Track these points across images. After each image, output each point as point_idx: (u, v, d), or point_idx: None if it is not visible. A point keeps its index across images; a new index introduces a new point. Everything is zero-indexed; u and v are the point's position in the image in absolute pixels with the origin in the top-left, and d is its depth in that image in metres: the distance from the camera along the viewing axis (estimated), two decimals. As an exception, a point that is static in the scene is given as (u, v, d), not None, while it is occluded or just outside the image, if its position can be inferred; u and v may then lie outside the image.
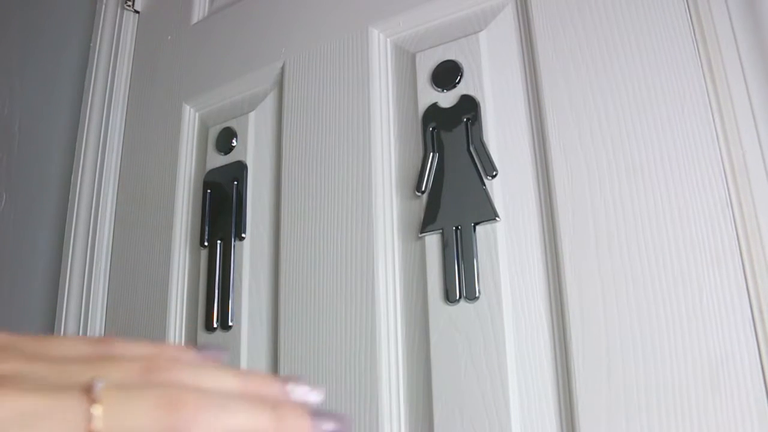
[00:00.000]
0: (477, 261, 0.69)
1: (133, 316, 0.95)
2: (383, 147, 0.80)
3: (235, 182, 0.91)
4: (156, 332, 0.91)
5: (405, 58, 0.83)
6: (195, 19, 1.08)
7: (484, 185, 0.71)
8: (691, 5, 0.66)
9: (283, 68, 0.93)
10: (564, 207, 0.66)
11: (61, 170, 1.12)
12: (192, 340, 0.88)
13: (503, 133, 0.73)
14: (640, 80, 0.66)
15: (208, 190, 0.93)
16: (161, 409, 0.23)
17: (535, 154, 0.71)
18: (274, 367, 0.80)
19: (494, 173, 0.71)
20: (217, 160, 0.94)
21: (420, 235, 0.74)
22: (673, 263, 0.60)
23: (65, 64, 1.21)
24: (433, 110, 0.77)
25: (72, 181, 1.07)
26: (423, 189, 0.74)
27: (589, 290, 0.63)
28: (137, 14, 1.16)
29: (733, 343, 0.56)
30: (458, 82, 0.76)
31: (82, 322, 0.98)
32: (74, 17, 1.24)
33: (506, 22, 0.77)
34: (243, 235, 0.88)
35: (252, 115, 0.94)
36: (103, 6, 1.17)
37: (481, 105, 0.74)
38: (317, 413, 0.27)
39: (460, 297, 0.69)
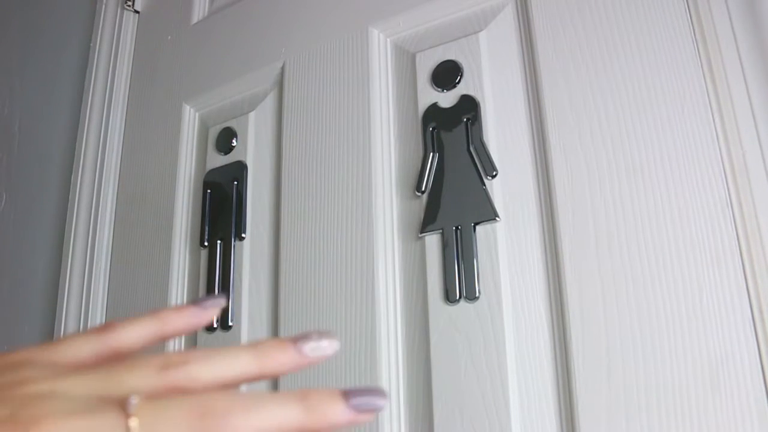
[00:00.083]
0: (477, 261, 0.69)
1: (133, 316, 0.94)
2: (383, 147, 0.80)
3: (235, 182, 0.91)
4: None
5: (405, 58, 0.83)
6: (195, 19, 1.08)
7: (484, 185, 0.71)
8: (691, 5, 0.66)
9: (283, 68, 0.93)
10: (564, 207, 0.66)
11: (61, 170, 1.12)
12: (192, 341, 0.88)
13: (503, 133, 0.73)
14: (640, 80, 0.66)
15: (208, 190, 0.93)
16: (193, 419, 0.24)
17: (535, 154, 0.71)
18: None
19: (494, 173, 0.71)
20: (217, 160, 0.94)
21: (420, 235, 0.74)
22: (673, 263, 0.60)
23: (65, 64, 1.21)
24: (433, 110, 0.77)
25: (72, 181, 1.07)
26: (423, 189, 0.74)
27: (589, 290, 0.63)
28: (137, 14, 1.16)
29: (733, 343, 0.56)
30: (458, 82, 0.76)
31: (82, 322, 0.98)
32: (74, 17, 1.24)
33: (506, 22, 0.77)
34: (243, 235, 0.88)
35: (252, 115, 0.94)
36: (103, 6, 1.17)
37: (481, 105, 0.74)
38: (349, 391, 0.27)
39: (460, 297, 0.69)
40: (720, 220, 0.59)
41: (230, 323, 0.85)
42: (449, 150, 0.75)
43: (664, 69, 0.65)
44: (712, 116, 0.62)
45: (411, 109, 0.80)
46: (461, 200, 0.72)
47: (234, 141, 0.94)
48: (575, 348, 0.62)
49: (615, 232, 0.63)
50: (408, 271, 0.75)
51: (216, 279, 0.87)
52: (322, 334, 0.29)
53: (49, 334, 1.01)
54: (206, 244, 0.90)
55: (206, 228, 0.91)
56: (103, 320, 0.98)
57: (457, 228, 0.71)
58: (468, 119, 0.74)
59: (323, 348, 0.29)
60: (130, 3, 1.15)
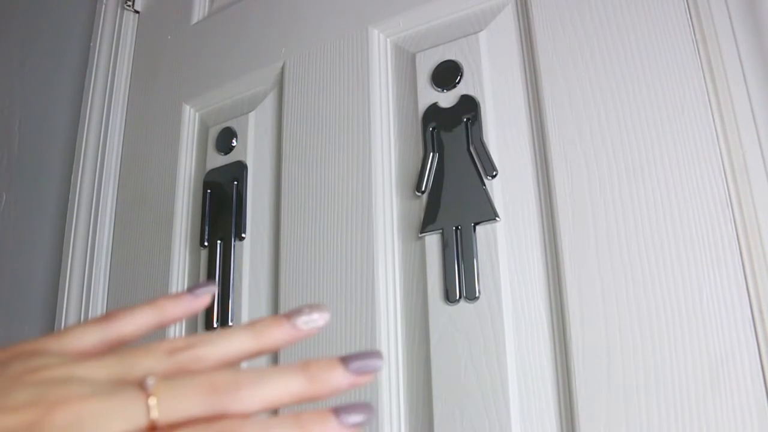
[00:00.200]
0: (477, 261, 0.69)
1: (133, 316, 0.94)
2: (383, 147, 0.80)
3: (235, 182, 0.91)
4: (156, 332, 0.90)
5: (405, 58, 0.83)
6: (195, 19, 1.08)
7: (484, 185, 0.71)
8: (691, 5, 0.66)
9: (283, 68, 0.93)
10: (564, 207, 0.66)
11: (61, 170, 1.12)
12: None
13: (503, 133, 0.73)
14: (640, 80, 0.66)
15: (208, 190, 0.93)
16: (205, 395, 0.26)
17: (535, 154, 0.71)
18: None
19: (494, 173, 0.71)
20: (217, 160, 0.94)
21: (420, 235, 0.74)
22: (673, 263, 0.60)
23: (65, 64, 1.21)
24: (433, 110, 0.77)
25: (72, 181, 1.07)
26: (423, 189, 0.74)
27: (589, 290, 0.63)
28: (137, 14, 1.16)
29: (733, 343, 0.56)
30: (458, 82, 0.77)
31: (82, 321, 0.98)
32: (74, 17, 1.24)
33: (506, 22, 0.77)
34: (243, 235, 0.88)
35: (252, 115, 0.94)
36: (103, 6, 1.17)
37: (481, 105, 0.74)
38: (347, 357, 0.29)
39: (460, 297, 0.69)
40: (720, 220, 0.59)
41: (230, 323, 0.85)
42: (449, 150, 0.75)
43: (664, 69, 0.65)
44: (712, 116, 0.62)
45: (411, 109, 0.80)
46: (461, 200, 0.72)
47: (234, 141, 0.94)
48: (575, 348, 0.62)
49: (615, 232, 0.63)
50: (408, 271, 0.75)
51: (216, 279, 0.87)
52: (313, 307, 0.31)
53: (49, 333, 1.01)
54: (206, 244, 0.90)
55: (206, 228, 0.91)
56: (103, 320, 0.98)
57: (457, 228, 0.71)
58: (468, 119, 0.74)
59: (315, 320, 0.31)
60: (130, 3, 1.15)
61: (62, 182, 1.11)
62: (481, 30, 0.78)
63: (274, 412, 0.28)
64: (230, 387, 0.27)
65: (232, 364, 0.29)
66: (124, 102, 1.10)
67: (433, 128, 0.76)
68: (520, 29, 0.76)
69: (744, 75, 0.62)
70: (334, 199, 0.81)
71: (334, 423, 0.27)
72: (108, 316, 0.31)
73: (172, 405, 0.26)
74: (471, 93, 0.75)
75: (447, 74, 0.78)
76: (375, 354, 0.29)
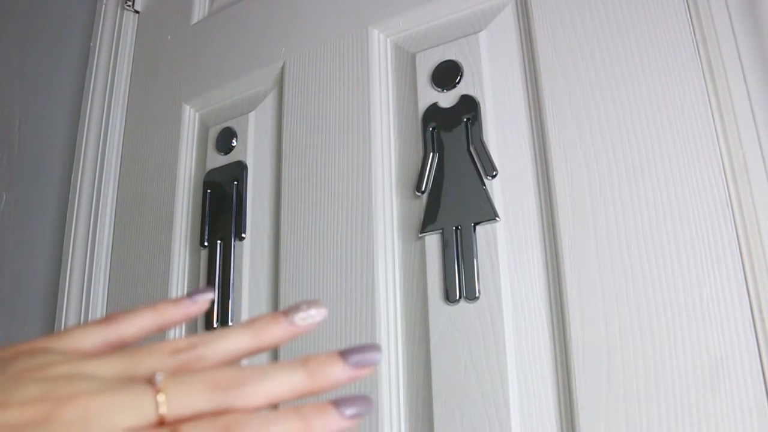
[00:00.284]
0: (477, 261, 0.69)
1: (133, 316, 0.94)
2: (383, 147, 0.80)
3: (235, 182, 0.91)
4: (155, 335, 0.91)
5: (405, 58, 0.83)
6: (195, 19, 1.08)
7: (484, 185, 0.71)
8: (691, 5, 0.66)
9: (283, 68, 0.93)
10: (564, 207, 0.66)
11: (61, 170, 1.12)
12: (192, 340, 0.88)
13: (503, 133, 0.73)
14: (640, 80, 0.66)
15: (208, 190, 0.93)
16: (211, 391, 0.27)
17: (535, 154, 0.71)
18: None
19: (494, 173, 0.71)
20: (217, 160, 0.94)
21: (420, 235, 0.74)
22: (673, 263, 0.60)
23: (65, 64, 1.21)
24: (433, 110, 0.77)
25: (72, 181, 1.07)
26: (423, 189, 0.74)
27: (589, 290, 0.63)
28: (137, 14, 1.16)
29: (733, 343, 0.56)
30: (458, 82, 0.77)
31: (82, 321, 0.98)
32: (74, 17, 1.24)
33: (506, 22, 0.77)
34: (243, 235, 0.88)
35: (252, 115, 0.94)
36: (103, 6, 1.17)
37: (481, 105, 0.74)
38: (345, 351, 0.30)
39: (460, 297, 0.69)
40: (720, 220, 0.59)
41: (230, 323, 0.85)
42: (449, 150, 0.75)
43: (664, 69, 0.65)
44: (712, 116, 0.62)
45: (411, 109, 0.80)
46: (461, 200, 0.72)
47: (234, 141, 0.94)
48: (575, 348, 0.62)
49: (615, 232, 0.63)
50: (408, 271, 0.75)
51: (216, 279, 0.87)
52: (310, 303, 0.32)
53: (49, 333, 1.01)
54: (206, 244, 0.90)
55: (206, 228, 0.91)
56: (103, 320, 0.98)
57: (457, 228, 0.71)
58: (468, 119, 0.74)
59: (312, 316, 0.32)
60: (130, 3, 1.15)
61: (62, 182, 1.11)
62: (481, 30, 0.78)
63: (275, 407, 0.28)
64: (234, 383, 0.27)
65: (233, 362, 0.30)
66: (124, 102, 1.10)
67: (433, 128, 0.76)
68: (520, 29, 0.76)
69: (744, 75, 0.62)
70: (334, 199, 0.81)
71: (334, 415, 0.28)
72: (109, 318, 0.32)
73: (180, 401, 0.26)
74: (471, 93, 0.75)
75: (447, 74, 0.78)
76: (373, 347, 0.30)
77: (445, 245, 0.71)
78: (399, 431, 0.69)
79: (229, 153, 0.94)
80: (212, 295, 0.35)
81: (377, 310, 0.73)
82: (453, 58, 0.78)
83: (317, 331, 0.77)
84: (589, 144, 0.67)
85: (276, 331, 0.31)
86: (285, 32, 0.94)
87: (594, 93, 0.68)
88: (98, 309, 0.98)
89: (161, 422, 0.26)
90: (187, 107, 1.01)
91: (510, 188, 0.71)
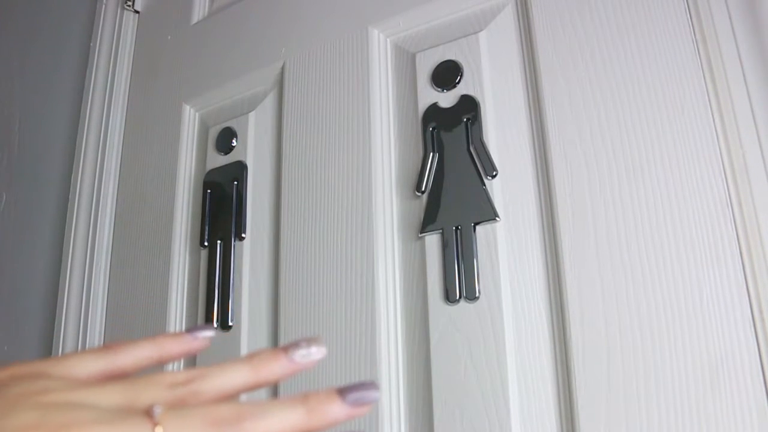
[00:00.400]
0: (477, 261, 0.69)
1: (133, 316, 0.95)
2: (383, 147, 0.80)
3: (235, 182, 0.91)
4: (156, 332, 0.91)
5: (405, 58, 0.83)
6: (195, 19, 1.08)
7: (484, 185, 0.71)
8: (691, 5, 0.66)
9: (283, 68, 0.93)
10: (564, 207, 0.66)
11: (61, 170, 1.13)
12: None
13: (503, 133, 0.73)
14: (640, 80, 0.66)
15: (208, 190, 0.93)
16: (209, 426, 0.27)
17: (535, 154, 0.71)
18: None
19: (494, 173, 0.71)
20: (217, 160, 0.94)
21: (420, 235, 0.74)
22: (673, 263, 0.60)
23: (65, 64, 1.21)
24: (433, 110, 0.77)
25: (72, 181, 1.07)
26: (423, 189, 0.74)
27: (589, 290, 0.63)
28: (137, 14, 1.16)
29: (733, 343, 0.56)
30: (458, 82, 0.77)
31: (82, 322, 0.98)
32: (74, 17, 1.24)
33: (506, 22, 0.77)
34: (243, 235, 0.88)
35: (252, 115, 0.94)
36: (103, 6, 1.17)
37: (481, 105, 0.74)
38: (344, 388, 0.30)
39: (460, 297, 0.69)
40: (720, 220, 0.59)
41: (230, 323, 0.85)
42: (449, 150, 0.75)
43: (664, 69, 0.65)
44: (712, 116, 0.62)
45: (411, 109, 0.80)
46: (461, 200, 0.72)
47: (234, 141, 0.94)
48: (575, 348, 0.62)
49: (615, 232, 0.63)
50: (408, 271, 0.75)
51: (216, 279, 0.87)
52: (310, 341, 0.32)
53: (49, 333, 1.01)
54: (206, 244, 0.90)
55: (206, 228, 0.91)
56: (104, 320, 0.98)
57: (457, 228, 0.71)
58: (468, 119, 0.74)
59: (312, 354, 0.32)
60: (130, 3, 1.15)
61: (62, 182, 1.11)
62: (481, 30, 0.78)
63: None
64: (233, 419, 0.27)
65: (231, 397, 0.30)
66: (124, 102, 1.10)
67: (433, 128, 0.76)
68: (520, 29, 0.76)
69: (744, 75, 0.62)
70: (334, 199, 0.81)
71: (340, 403, 0.29)
72: (108, 347, 0.32)
73: None
74: (471, 93, 0.75)
75: (447, 74, 0.78)
76: (371, 385, 0.30)
77: (445, 245, 0.71)
78: (399, 431, 0.69)
79: (229, 153, 0.94)
80: (213, 333, 0.35)
81: (377, 310, 0.73)
82: (453, 58, 0.78)
83: (317, 330, 0.77)
84: (589, 144, 0.67)
85: (275, 368, 0.31)
86: (285, 32, 0.94)
87: (594, 93, 0.68)
88: (98, 309, 0.98)
89: None
90: (187, 107, 1.01)
91: (510, 188, 0.71)
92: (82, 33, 1.20)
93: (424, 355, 0.70)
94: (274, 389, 0.76)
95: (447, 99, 0.77)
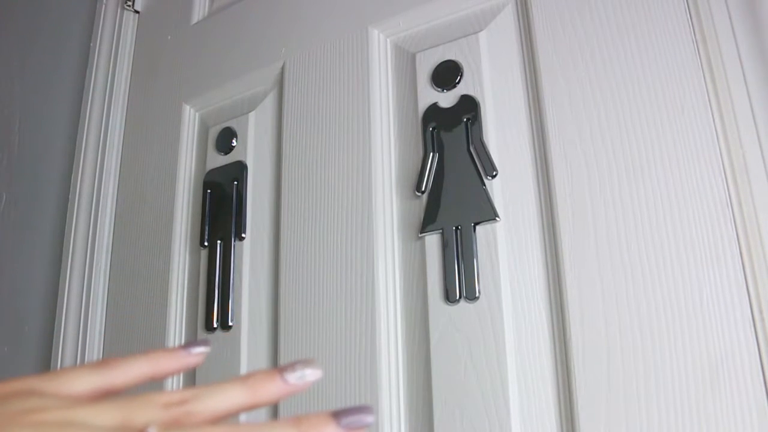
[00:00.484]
0: (477, 261, 0.69)
1: (133, 316, 0.95)
2: (383, 147, 0.80)
3: (235, 182, 0.91)
4: (156, 332, 0.91)
5: (405, 58, 0.83)
6: (195, 19, 1.08)
7: (484, 185, 0.71)
8: (691, 5, 0.66)
9: (283, 68, 0.93)
10: (564, 207, 0.66)
11: (61, 170, 1.13)
12: (193, 338, 0.88)
13: (503, 133, 0.73)
14: (640, 80, 0.66)
15: (208, 190, 0.93)
16: None
17: (535, 154, 0.71)
18: (274, 367, 0.80)
19: (494, 173, 0.71)
20: (217, 160, 0.94)
21: (420, 235, 0.74)
22: (673, 263, 0.60)
23: (65, 64, 1.21)
24: (433, 110, 0.77)
25: (72, 181, 1.07)
26: (423, 189, 0.74)
27: (589, 290, 0.63)
28: (137, 14, 1.16)
29: (733, 343, 0.56)
30: (458, 82, 0.77)
31: (82, 322, 0.98)
32: (74, 17, 1.24)
33: (506, 22, 0.77)
34: (243, 235, 0.88)
35: (252, 115, 0.94)
36: (103, 6, 1.17)
37: (481, 105, 0.74)
38: (338, 412, 0.30)
39: (460, 297, 0.69)
40: (720, 220, 0.59)
41: (230, 323, 0.85)
42: (449, 150, 0.75)
43: (664, 69, 0.65)
44: (712, 116, 0.62)
45: (411, 109, 0.80)
46: (461, 200, 0.72)
47: (234, 141, 0.94)
48: (575, 348, 0.62)
49: (615, 232, 0.63)
50: (408, 271, 0.75)
51: (216, 279, 0.87)
52: (306, 363, 0.32)
53: (49, 334, 1.01)
54: (206, 244, 0.90)
55: (206, 228, 0.91)
56: (104, 320, 0.98)
57: (457, 228, 0.71)
58: (468, 119, 0.74)
59: (307, 376, 0.32)
60: (130, 3, 1.15)
61: (62, 182, 1.11)
62: (481, 30, 0.78)
63: None
64: None
65: (225, 418, 0.30)
66: (124, 102, 1.10)
67: (433, 128, 0.76)
68: (520, 29, 0.76)
69: (744, 75, 0.62)
70: (334, 199, 0.81)
71: (334, 426, 0.29)
72: (103, 363, 0.32)
73: None
74: (471, 93, 0.75)
75: (447, 74, 0.78)
76: (366, 409, 0.30)
77: (445, 245, 0.71)
78: (399, 431, 0.69)
79: (229, 153, 0.94)
80: (208, 349, 0.35)
81: (377, 310, 0.73)
82: (453, 58, 0.78)
83: (317, 330, 0.77)
84: (589, 144, 0.67)
85: (271, 389, 0.31)
86: (285, 32, 0.94)
87: (594, 93, 0.68)
88: (98, 309, 0.98)
89: None
90: (187, 107, 1.01)
91: (510, 188, 0.71)
92: (82, 33, 1.20)
93: (424, 355, 0.70)
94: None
95: (447, 99, 0.77)
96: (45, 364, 1.01)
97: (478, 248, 0.70)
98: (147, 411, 0.28)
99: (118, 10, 1.15)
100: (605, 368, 0.60)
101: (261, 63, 0.95)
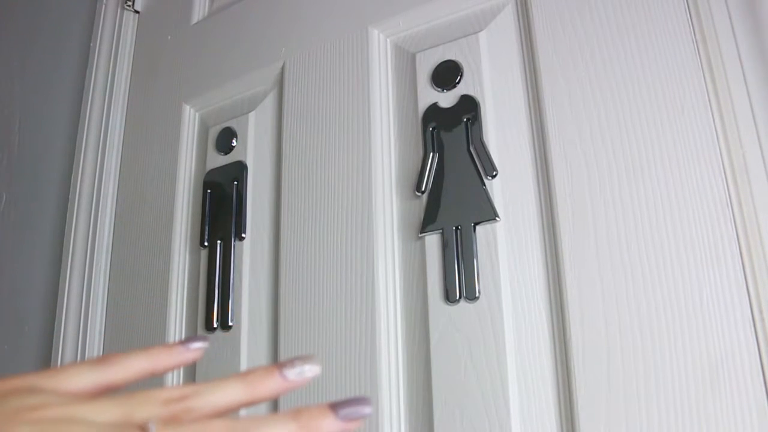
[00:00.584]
0: (477, 261, 0.69)
1: (133, 316, 0.95)
2: (383, 147, 0.80)
3: (235, 182, 0.91)
4: (156, 332, 0.91)
5: (405, 58, 0.83)
6: (195, 19, 1.08)
7: (484, 185, 0.71)
8: (691, 5, 0.66)
9: (283, 68, 0.93)
10: (564, 207, 0.66)
11: (61, 170, 1.13)
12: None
13: (503, 133, 0.73)
14: (640, 80, 0.66)
15: (208, 190, 0.93)
16: None
17: (535, 154, 0.71)
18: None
19: (494, 173, 0.71)
20: (217, 160, 0.94)
21: (420, 235, 0.74)
22: (673, 263, 0.60)
23: (65, 64, 1.21)
24: (433, 110, 0.77)
25: (72, 181, 1.07)
26: (423, 189, 0.74)
27: (589, 290, 0.63)
28: (137, 14, 1.16)
29: (733, 343, 0.56)
30: (458, 82, 0.77)
31: (82, 322, 0.98)
32: (74, 17, 1.24)
33: (506, 22, 0.77)
34: (243, 235, 0.88)
35: (252, 115, 0.94)
36: (103, 6, 1.17)
37: (481, 105, 0.74)
38: (336, 403, 0.30)
39: (460, 297, 0.69)
40: (720, 220, 0.59)
41: (230, 323, 0.85)
42: (449, 150, 0.75)
43: (664, 69, 0.65)
44: (712, 116, 0.62)
45: (411, 109, 0.80)
46: (461, 200, 0.72)
47: (234, 141, 0.94)
48: (575, 348, 0.62)
49: (615, 232, 0.63)
50: (408, 271, 0.75)
51: (216, 279, 0.87)
52: (304, 359, 0.33)
53: (49, 333, 1.01)
54: (206, 244, 0.90)
55: (206, 228, 0.91)
56: (104, 320, 0.98)
57: (457, 228, 0.71)
58: (468, 119, 0.74)
59: (306, 372, 0.32)
60: (130, 3, 1.15)
61: (62, 182, 1.11)
62: (481, 30, 0.78)
63: None
64: None
65: (225, 414, 0.30)
66: (124, 102, 1.10)
67: (433, 128, 0.76)
68: (520, 29, 0.76)
69: (744, 75, 0.62)
70: (334, 199, 0.81)
71: (332, 418, 0.29)
72: (103, 359, 0.32)
73: None
74: (471, 93, 0.75)
75: (447, 74, 0.78)
76: (363, 400, 0.31)
77: (445, 245, 0.71)
78: (399, 431, 0.69)
79: (229, 153, 0.94)
80: (206, 344, 0.35)
81: (377, 310, 0.73)
82: (453, 58, 0.78)
83: (317, 330, 0.77)
84: (589, 144, 0.67)
85: (269, 385, 0.32)
86: (285, 32, 0.94)
87: (594, 93, 0.68)
88: (98, 309, 0.98)
89: None
90: (187, 107, 1.01)
91: (510, 188, 0.71)
92: (82, 33, 1.20)
93: (424, 355, 0.70)
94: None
95: (447, 99, 0.77)
96: (45, 364, 1.01)
97: (478, 248, 0.70)
98: (147, 407, 0.28)
99: (118, 10, 1.15)
100: (605, 368, 0.60)
101: (261, 63, 0.95)
